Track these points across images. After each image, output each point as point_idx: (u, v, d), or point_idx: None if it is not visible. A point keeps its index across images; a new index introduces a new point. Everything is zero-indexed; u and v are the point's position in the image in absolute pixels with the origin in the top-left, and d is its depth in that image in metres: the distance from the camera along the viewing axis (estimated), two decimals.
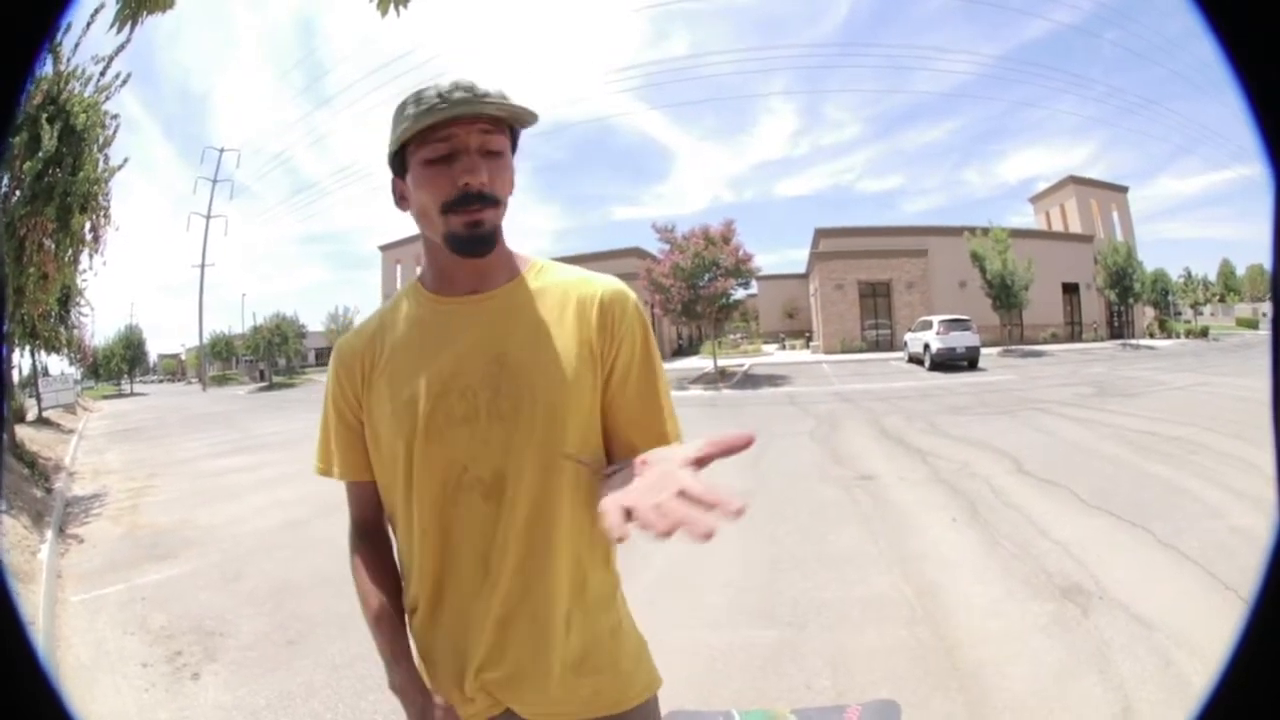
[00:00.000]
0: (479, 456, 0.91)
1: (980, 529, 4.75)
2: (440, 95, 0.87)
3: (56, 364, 19.49)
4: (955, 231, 29.41)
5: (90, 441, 14.68)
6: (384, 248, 42.08)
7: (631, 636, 1.05)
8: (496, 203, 0.91)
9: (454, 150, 0.88)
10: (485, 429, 0.91)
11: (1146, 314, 33.58)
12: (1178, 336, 30.80)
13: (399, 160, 0.93)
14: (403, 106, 0.90)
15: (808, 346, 34.06)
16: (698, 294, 19.60)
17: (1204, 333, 32.24)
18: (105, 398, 33.49)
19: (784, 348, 35.05)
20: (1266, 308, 49.67)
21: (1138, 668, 2.86)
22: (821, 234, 32.99)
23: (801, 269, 39.47)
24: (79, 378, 30.32)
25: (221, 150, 44.39)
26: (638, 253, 32.74)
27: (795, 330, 38.43)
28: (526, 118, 0.92)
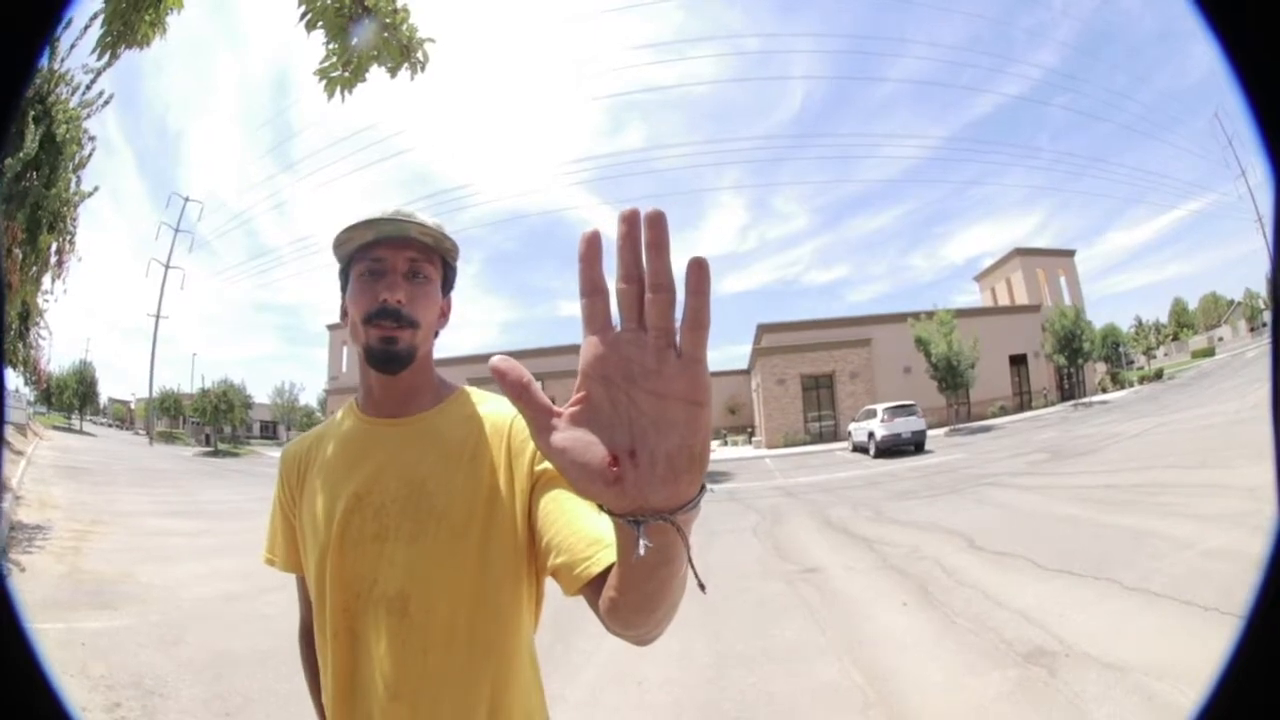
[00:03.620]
0: (386, 574, 0.97)
1: (933, 609, 4.72)
2: (375, 218, 1.00)
3: (10, 378, 20.42)
4: (899, 318, 30.83)
5: (38, 470, 15.37)
6: (332, 327, 42.45)
7: None
8: (414, 325, 1.02)
9: (382, 269, 1.01)
10: (392, 549, 0.97)
11: (1098, 370, 35.12)
12: (1131, 385, 32.12)
13: (345, 277, 1.06)
14: (348, 227, 1.02)
15: (750, 442, 34.29)
16: None
17: (1158, 375, 33.71)
18: (55, 428, 34.10)
19: (726, 444, 35.26)
20: (1222, 332, 52.85)
21: (1116, 710, 2.90)
22: (764, 329, 34.01)
23: (744, 365, 40.24)
24: (31, 399, 31.90)
25: (186, 199, 44.44)
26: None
27: (738, 426, 38.78)
28: (449, 248, 1.06)
